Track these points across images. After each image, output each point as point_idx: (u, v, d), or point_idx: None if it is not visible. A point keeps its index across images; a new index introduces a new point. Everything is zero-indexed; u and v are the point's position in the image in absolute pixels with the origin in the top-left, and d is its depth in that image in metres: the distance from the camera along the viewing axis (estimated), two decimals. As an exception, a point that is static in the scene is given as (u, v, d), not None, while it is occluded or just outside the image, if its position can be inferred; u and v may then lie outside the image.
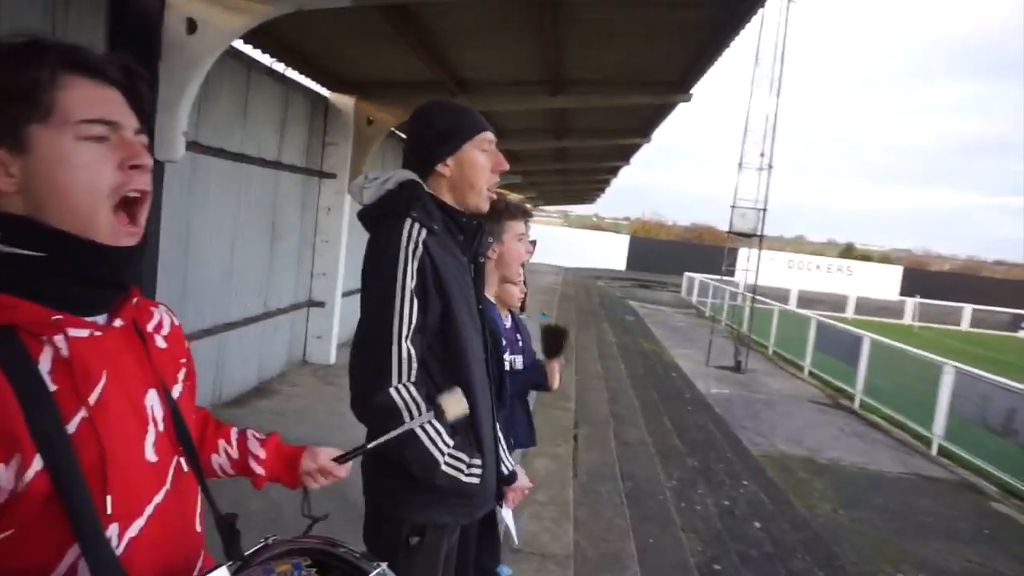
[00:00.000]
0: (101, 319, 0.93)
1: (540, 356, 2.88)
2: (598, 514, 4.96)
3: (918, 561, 5.64)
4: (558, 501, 4.71)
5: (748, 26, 5.28)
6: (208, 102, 4.96)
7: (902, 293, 35.72)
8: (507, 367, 2.42)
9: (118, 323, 0.94)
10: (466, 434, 1.67)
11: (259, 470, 1.26)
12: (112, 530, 0.86)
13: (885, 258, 70.56)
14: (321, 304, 7.37)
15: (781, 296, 22.82)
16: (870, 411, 11.02)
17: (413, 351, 1.57)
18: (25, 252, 0.85)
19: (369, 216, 1.72)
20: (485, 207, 1.76)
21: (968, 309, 30.41)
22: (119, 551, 0.86)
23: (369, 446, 1.33)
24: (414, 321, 1.57)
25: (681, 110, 8.53)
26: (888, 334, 13.97)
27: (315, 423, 5.41)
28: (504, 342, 2.49)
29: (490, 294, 2.40)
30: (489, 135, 1.73)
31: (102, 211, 0.87)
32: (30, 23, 3.35)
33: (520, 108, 7.91)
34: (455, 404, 1.42)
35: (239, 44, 5.28)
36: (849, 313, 28.12)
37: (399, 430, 1.36)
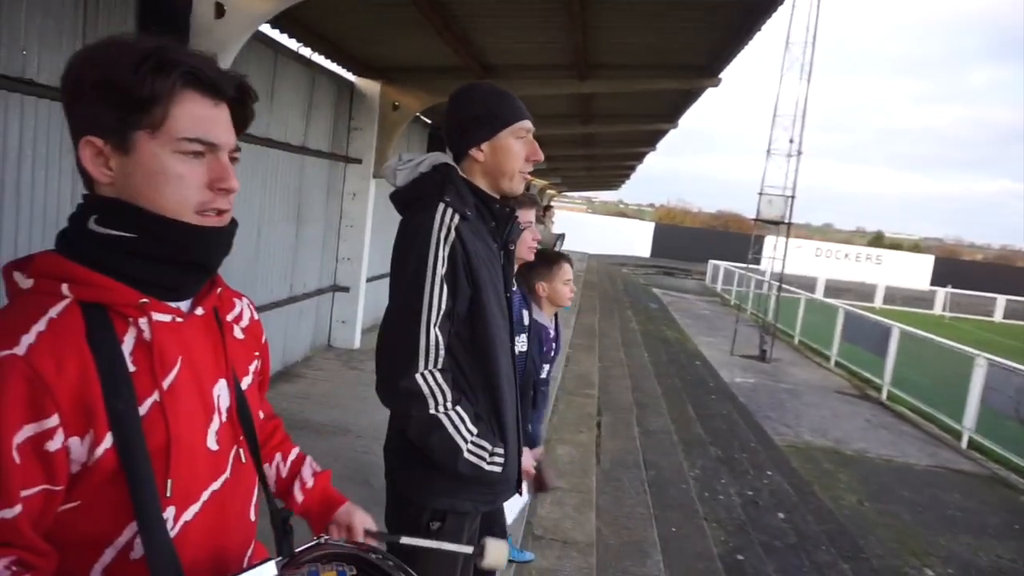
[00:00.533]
0: (184, 306, 0.96)
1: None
2: (620, 502, 4.96)
3: (946, 555, 5.56)
4: (580, 489, 4.71)
5: (779, 9, 5.17)
6: (235, 87, 4.98)
7: (933, 283, 35.08)
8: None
9: (199, 311, 0.97)
10: (490, 422, 1.66)
11: (299, 496, 1.27)
12: (169, 512, 0.88)
13: (915, 247, 69.18)
14: (346, 289, 7.41)
15: (808, 285, 22.51)
16: (898, 403, 10.86)
17: (441, 337, 1.56)
18: (118, 233, 0.88)
19: (401, 198, 1.70)
20: (520, 189, 1.75)
21: (1002, 300, 29.73)
22: (173, 533, 0.89)
23: (402, 541, 1.28)
24: (443, 307, 1.56)
25: (709, 95, 8.40)
26: (918, 325, 13.73)
27: (339, 407, 5.46)
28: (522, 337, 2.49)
29: None
30: (527, 124, 1.70)
31: (187, 215, 0.91)
32: (63, 6, 3.38)
33: (547, 93, 7.84)
34: (497, 554, 1.33)
35: (266, 28, 5.29)
36: (878, 303, 27.66)
37: (436, 544, 1.33)
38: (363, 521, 1.27)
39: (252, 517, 1.06)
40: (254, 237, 5.62)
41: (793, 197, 14.60)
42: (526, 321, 2.55)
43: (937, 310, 28.89)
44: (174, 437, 0.88)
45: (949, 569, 5.34)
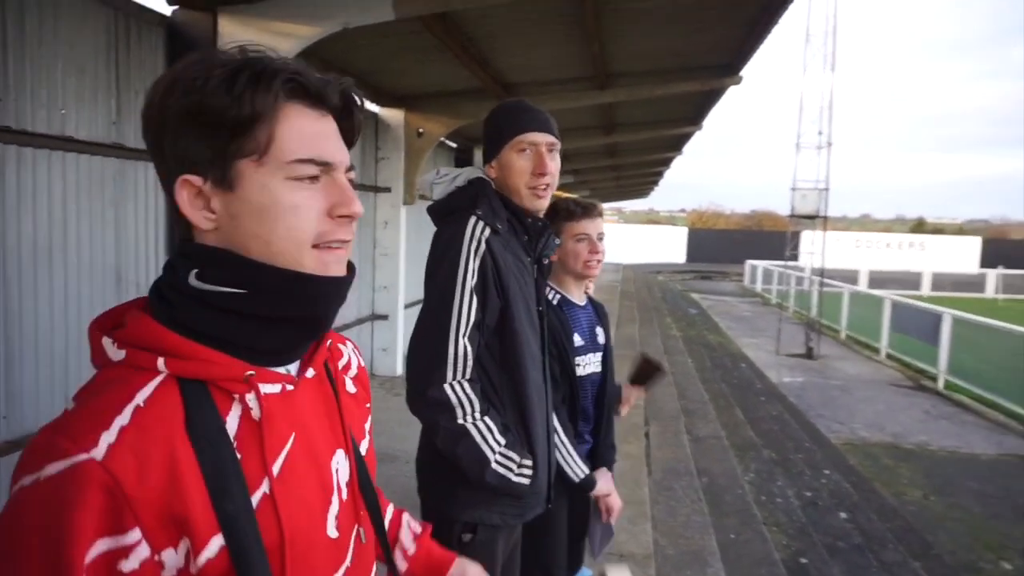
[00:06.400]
0: (293, 368, 0.81)
1: (620, 381, 2.61)
2: (675, 511, 4.87)
3: (1023, 547, 5.32)
4: (634, 500, 4.63)
5: (796, 1, 5.12)
6: (263, 127, 5.09)
7: (983, 265, 33.95)
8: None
9: (310, 373, 0.83)
10: (518, 434, 1.65)
11: (401, 564, 1.11)
12: None
13: (960, 230, 67.01)
14: (384, 317, 7.48)
15: (850, 277, 21.99)
16: (957, 391, 10.49)
17: (470, 348, 1.58)
18: (224, 289, 0.74)
19: (437, 211, 1.74)
20: (536, 206, 1.73)
21: (1057, 277, 28.67)
22: None
23: None
24: (472, 318, 1.58)
25: (732, 95, 8.33)
26: (970, 309, 13.29)
27: (385, 435, 5.48)
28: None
29: (572, 295, 2.31)
30: (530, 136, 1.68)
31: (305, 255, 0.76)
32: (96, 64, 3.51)
33: (568, 106, 7.86)
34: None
35: (289, 68, 5.41)
36: (925, 290, 26.89)
37: None
38: (477, 572, 1.14)
39: None
40: (291, 272, 5.71)
41: (827, 189, 14.36)
42: (601, 339, 2.33)
43: (989, 293, 27.96)
44: (288, 535, 0.72)
45: (1027, 561, 5.11)
